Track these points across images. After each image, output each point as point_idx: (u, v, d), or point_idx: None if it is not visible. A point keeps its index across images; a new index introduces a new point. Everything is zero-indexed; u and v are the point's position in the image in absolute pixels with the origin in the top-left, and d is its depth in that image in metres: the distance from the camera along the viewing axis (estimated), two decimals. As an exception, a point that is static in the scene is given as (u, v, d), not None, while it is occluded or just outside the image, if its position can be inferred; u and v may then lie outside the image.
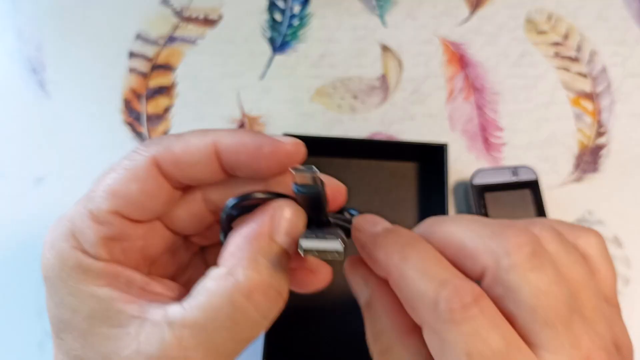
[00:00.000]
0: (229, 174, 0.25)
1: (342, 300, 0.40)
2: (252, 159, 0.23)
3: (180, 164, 0.23)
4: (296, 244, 0.22)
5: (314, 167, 0.21)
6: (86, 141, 0.47)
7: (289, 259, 0.23)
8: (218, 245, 0.28)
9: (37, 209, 0.44)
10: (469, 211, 0.43)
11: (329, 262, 0.24)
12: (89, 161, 0.46)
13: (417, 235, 0.22)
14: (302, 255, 0.21)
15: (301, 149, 0.23)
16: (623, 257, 0.42)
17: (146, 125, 0.47)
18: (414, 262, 0.20)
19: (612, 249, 0.43)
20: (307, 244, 0.21)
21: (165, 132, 0.47)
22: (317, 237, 0.21)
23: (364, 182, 0.44)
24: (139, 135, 0.47)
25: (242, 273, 0.21)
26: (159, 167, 0.23)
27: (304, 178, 0.21)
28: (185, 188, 0.25)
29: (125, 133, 0.47)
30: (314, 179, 0.21)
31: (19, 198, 0.45)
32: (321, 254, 0.21)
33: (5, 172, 0.46)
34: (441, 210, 0.41)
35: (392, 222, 0.23)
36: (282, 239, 0.22)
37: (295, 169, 0.21)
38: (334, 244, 0.21)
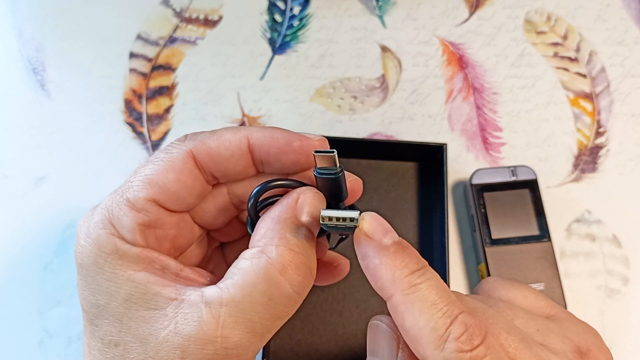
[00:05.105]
0: (258, 170, 0.26)
1: (343, 300, 0.40)
2: (282, 153, 0.25)
3: (215, 157, 0.25)
4: (318, 226, 0.23)
5: (335, 150, 0.22)
6: (87, 141, 0.47)
7: (314, 239, 0.24)
8: (236, 242, 0.30)
9: (38, 209, 0.45)
10: (467, 211, 0.43)
11: (344, 235, 0.25)
12: (90, 161, 0.46)
13: (423, 260, 0.22)
14: (321, 224, 0.22)
15: (326, 144, 0.26)
16: (622, 256, 0.43)
17: (146, 125, 0.47)
18: (423, 292, 0.21)
19: (611, 249, 0.43)
20: (325, 212, 0.22)
21: (166, 133, 0.47)
22: (334, 210, 0.23)
23: (364, 182, 0.44)
24: (139, 135, 0.47)
25: (274, 250, 0.22)
26: (195, 160, 0.24)
27: (325, 161, 0.23)
28: (215, 184, 0.26)
29: (126, 133, 0.47)
30: (334, 160, 0.23)
31: (19, 198, 0.45)
32: (338, 222, 0.22)
33: (6, 172, 0.46)
34: (440, 210, 0.41)
35: (392, 222, 0.23)
36: (306, 220, 0.23)
37: (318, 151, 0.23)
38: (351, 213, 0.22)
